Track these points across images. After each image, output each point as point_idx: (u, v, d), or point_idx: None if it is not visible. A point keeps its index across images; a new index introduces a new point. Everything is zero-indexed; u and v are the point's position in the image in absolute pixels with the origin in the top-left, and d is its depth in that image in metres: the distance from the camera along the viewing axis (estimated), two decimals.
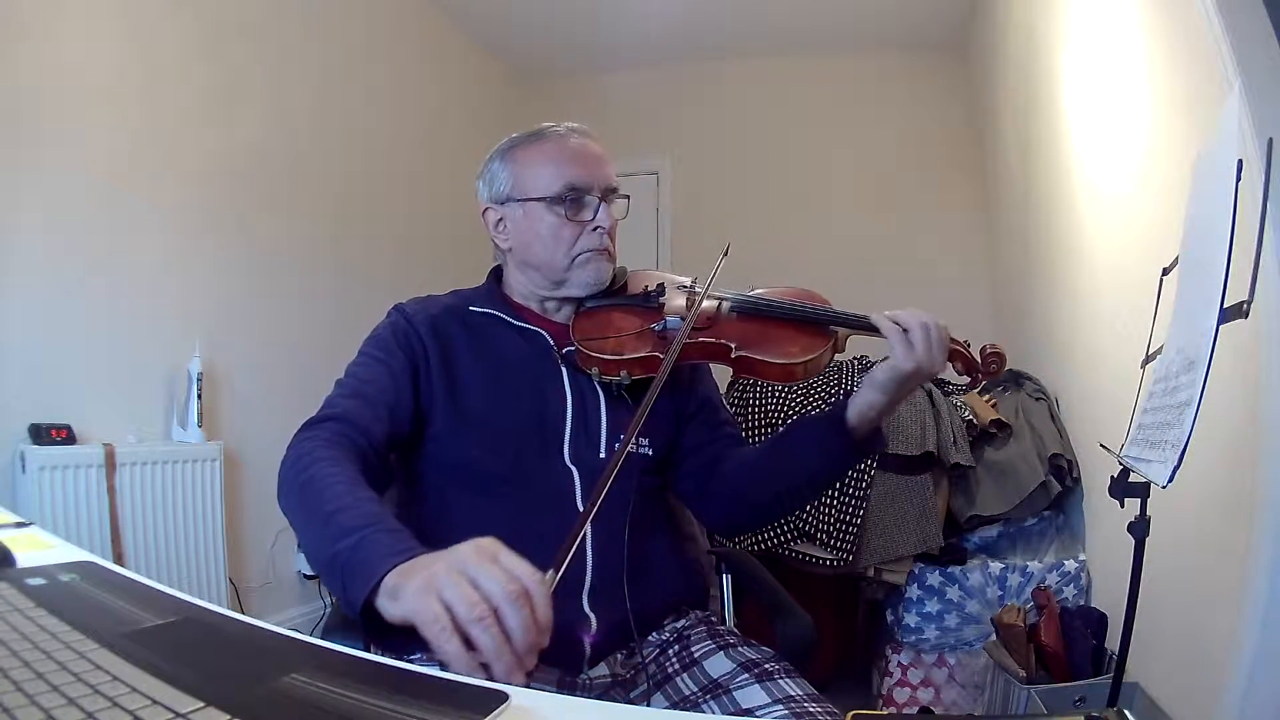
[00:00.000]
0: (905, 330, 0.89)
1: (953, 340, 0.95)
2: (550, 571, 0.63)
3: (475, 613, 0.56)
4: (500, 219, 1.04)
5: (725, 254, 1.02)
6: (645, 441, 1.01)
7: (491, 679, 0.55)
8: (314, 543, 0.74)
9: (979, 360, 0.98)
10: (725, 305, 1.01)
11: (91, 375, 1.97)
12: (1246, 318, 0.76)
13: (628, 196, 1.06)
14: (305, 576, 2.60)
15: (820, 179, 3.70)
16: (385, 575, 0.63)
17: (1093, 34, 1.87)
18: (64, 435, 1.85)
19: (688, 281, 1.06)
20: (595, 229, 1.00)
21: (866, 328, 0.95)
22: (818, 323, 0.99)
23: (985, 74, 3.20)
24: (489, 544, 0.62)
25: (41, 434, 1.81)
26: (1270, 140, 0.87)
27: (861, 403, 0.93)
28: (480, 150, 1.10)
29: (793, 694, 0.83)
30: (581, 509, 0.93)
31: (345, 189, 2.87)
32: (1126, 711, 0.50)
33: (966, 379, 0.99)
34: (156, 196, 2.13)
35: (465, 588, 0.57)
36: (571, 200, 0.99)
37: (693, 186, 3.87)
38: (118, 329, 2.04)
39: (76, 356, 1.93)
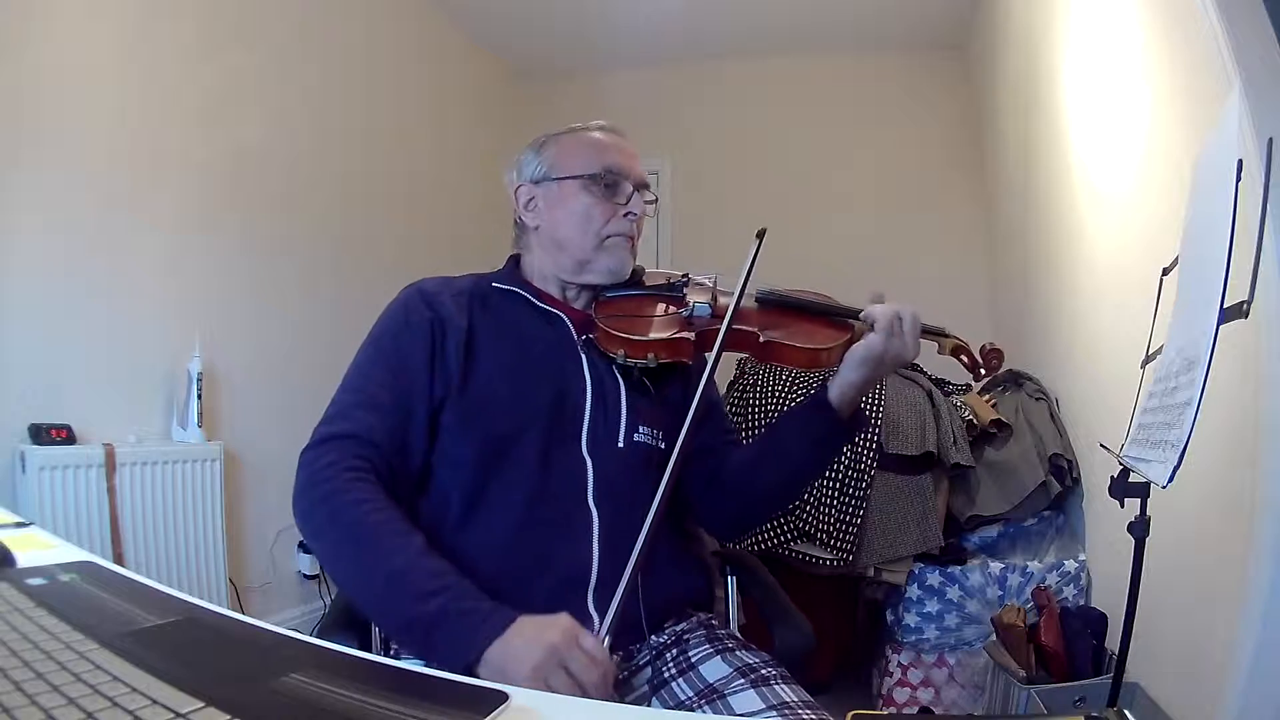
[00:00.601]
0: (896, 320, 0.95)
1: (956, 337, 1.01)
2: (604, 632, 0.77)
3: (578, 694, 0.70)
4: (532, 198, 1.05)
5: (760, 239, 1.02)
6: (660, 433, 1.01)
7: None
8: (374, 598, 0.81)
9: (979, 358, 1.02)
10: (753, 296, 1.04)
11: (91, 375, 1.97)
12: (1246, 318, 0.76)
13: (655, 199, 1.08)
14: (305, 576, 2.60)
15: (820, 179, 3.70)
16: (485, 650, 0.73)
17: (1093, 34, 1.87)
18: (64, 435, 1.85)
19: (709, 280, 1.08)
20: (627, 214, 1.02)
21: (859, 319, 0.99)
22: (838, 316, 1.02)
23: (985, 74, 3.20)
24: (568, 627, 0.75)
25: (41, 434, 1.81)
26: (1270, 140, 0.87)
27: (841, 382, 0.97)
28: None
29: (787, 700, 0.83)
30: (592, 503, 0.93)
31: (345, 189, 2.87)
32: (1126, 711, 0.50)
33: (970, 375, 1.04)
34: (156, 196, 2.13)
35: (566, 678, 0.71)
36: (608, 183, 1.01)
37: (693, 186, 3.87)
38: (118, 329, 2.04)
39: (76, 356, 1.93)
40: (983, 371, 1.03)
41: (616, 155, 1.03)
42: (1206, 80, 1.17)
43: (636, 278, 1.07)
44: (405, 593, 0.78)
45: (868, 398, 2.14)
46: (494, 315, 1.00)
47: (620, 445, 0.97)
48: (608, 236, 1.01)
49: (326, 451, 0.87)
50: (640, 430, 0.99)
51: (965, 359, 1.02)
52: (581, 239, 1.01)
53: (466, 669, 0.73)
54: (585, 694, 0.71)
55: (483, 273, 1.09)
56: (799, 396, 2.28)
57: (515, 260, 1.10)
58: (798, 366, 1.10)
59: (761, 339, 0.99)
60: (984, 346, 1.02)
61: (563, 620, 0.75)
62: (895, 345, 0.94)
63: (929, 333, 1.00)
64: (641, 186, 1.04)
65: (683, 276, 1.07)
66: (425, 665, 0.75)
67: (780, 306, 1.04)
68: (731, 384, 2.38)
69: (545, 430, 0.94)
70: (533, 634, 0.74)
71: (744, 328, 0.99)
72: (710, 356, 0.94)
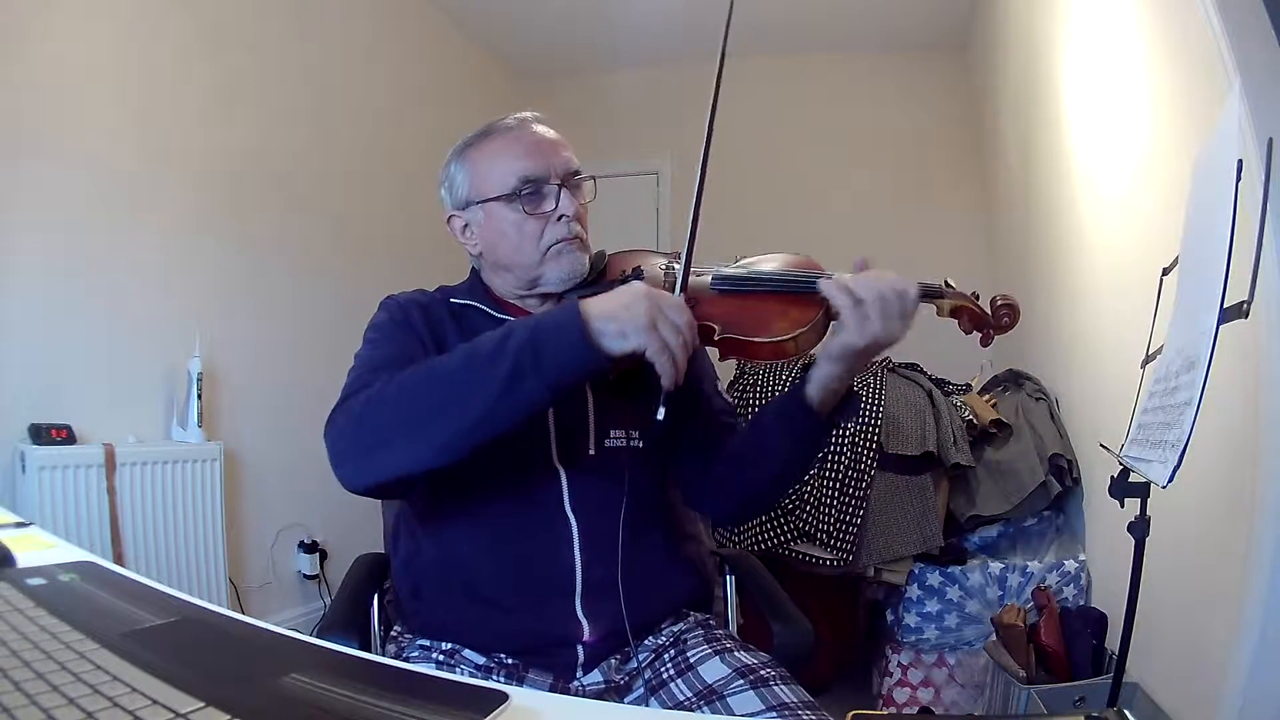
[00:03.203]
0: (859, 301, 0.83)
1: (959, 294, 0.90)
2: (680, 293, 0.86)
3: (678, 341, 0.79)
4: (465, 224, 1.00)
5: (722, 61, 0.98)
6: (635, 434, 0.98)
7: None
8: (468, 393, 0.78)
9: (989, 313, 0.91)
10: (706, 282, 0.94)
11: (91, 375, 1.97)
12: (1246, 318, 0.76)
13: (593, 178, 1.01)
14: (305, 576, 2.60)
15: (820, 179, 3.70)
16: (587, 322, 0.77)
17: (1093, 34, 1.87)
18: (64, 435, 1.84)
19: (664, 261, 1.01)
20: (560, 218, 0.95)
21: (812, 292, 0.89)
22: (806, 291, 0.90)
23: (985, 74, 3.20)
24: (643, 283, 0.82)
25: (41, 434, 1.81)
26: (1270, 140, 0.87)
27: (820, 375, 0.90)
28: None
29: (786, 701, 0.82)
30: (570, 511, 0.91)
31: (345, 189, 2.87)
32: (1126, 711, 0.50)
33: (976, 335, 0.92)
34: (156, 197, 2.13)
35: (670, 324, 0.78)
36: (528, 194, 0.95)
37: (693, 186, 3.86)
38: (118, 329, 2.04)
39: (76, 356, 1.93)
40: (991, 331, 0.90)
41: (529, 159, 0.95)
42: (1206, 80, 1.17)
43: (597, 269, 1.01)
44: (485, 359, 0.78)
45: (867, 398, 2.13)
46: (454, 330, 0.98)
47: (592, 452, 0.95)
48: (549, 247, 0.97)
49: (352, 399, 0.84)
50: (612, 435, 0.96)
51: (966, 321, 0.90)
52: (522, 257, 0.97)
53: (589, 349, 0.77)
54: (682, 339, 0.79)
55: (447, 286, 1.06)
56: None
57: (477, 271, 1.07)
58: (765, 360, 1.03)
59: (718, 335, 0.91)
60: (995, 299, 0.91)
61: (635, 283, 0.82)
62: (874, 330, 0.82)
63: (924, 295, 0.87)
64: (569, 177, 0.96)
65: (635, 268, 0.99)
66: (565, 385, 0.79)
67: (739, 291, 0.94)
68: (731, 384, 2.38)
69: (510, 444, 0.90)
70: (624, 295, 0.79)
71: (700, 322, 0.89)
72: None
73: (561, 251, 0.96)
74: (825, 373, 0.90)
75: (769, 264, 0.97)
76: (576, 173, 0.98)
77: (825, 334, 0.91)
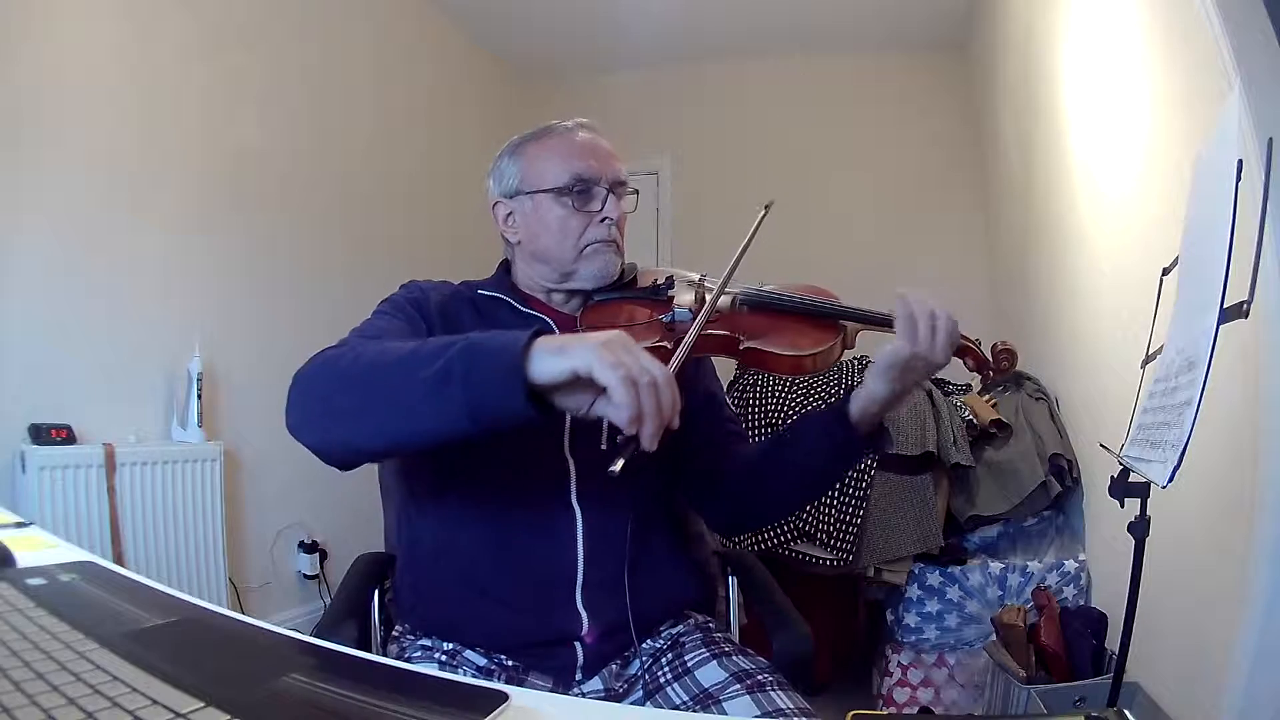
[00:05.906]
0: (911, 315, 0.86)
1: (964, 337, 0.93)
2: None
3: (646, 378, 0.63)
4: (509, 213, 1.04)
5: (766, 212, 1.00)
6: None
7: (633, 438, 0.64)
8: (398, 389, 0.71)
9: (990, 357, 0.97)
10: (735, 298, 1.00)
11: (91, 375, 1.97)
12: (1246, 318, 0.76)
13: (636, 191, 1.06)
14: (305, 576, 2.60)
15: (820, 179, 3.70)
16: (532, 345, 0.65)
17: (1092, 33, 1.87)
18: (64, 435, 1.84)
19: (696, 276, 1.05)
20: (603, 220, 1.00)
21: (878, 322, 0.94)
22: (827, 317, 0.98)
23: (985, 74, 3.20)
24: (625, 336, 0.66)
25: (41, 434, 1.81)
26: (1270, 140, 0.87)
27: (864, 395, 0.92)
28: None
29: (782, 707, 0.82)
30: (575, 503, 0.92)
31: (345, 189, 2.87)
32: (1126, 711, 0.50)
33: (976, 375, 0.99)
34: (156, 196, 2.13)
35: (638, 357, 0.64)
36: (579, 191, 0.99)
37: (693, 186, 3.87)
38: (118, 329, 2.04)
39: (76, 356, 1.93)
40: (992, 373, 0.98)
41: (587, 159, 1.00)
42: (1206, 80, 1.17)
43: (627, 277, 1.05)
44: (423, 357, 0.70)
45: None
46: (477, 319, 1.00)
47: (604, 447, 0.95)
48: (586, 245, 1.00)
49: (330, 349, 0.85)
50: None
51: (970, 360, 0.96)
52: (560, 251, 1.00)
53: (516, 369, 0.64)
54: (654, 383, 0.63)
55: (474, 279, 1.09)
56: (799, 398, 2.28)
57: (506, 265, 1.10)
58: (781, 373, 1.06)
59: (741, 345, 0.96)
60: (995, 345, 0.98)
61: (613, 332, 0.67)
62: (937, 346, 0.85)
63: None
64: (617, 185, 1.01)
65: (667, 279, 1.04)
66: (484, 407, 0.66)
67: (766, 308, 1.00)
68: (730, 385, 2.38)
69: (524, 437, 0.90)
70: (585, 334, 0.67)
71: (723, 332, 0.96)
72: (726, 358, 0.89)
73: (597, 251, 1.00)
74: (869, 391, 0.91)
75: (789, 291, 1.03)
76: (624, 183, 1.03)
77: (839, 358, 0.98)
